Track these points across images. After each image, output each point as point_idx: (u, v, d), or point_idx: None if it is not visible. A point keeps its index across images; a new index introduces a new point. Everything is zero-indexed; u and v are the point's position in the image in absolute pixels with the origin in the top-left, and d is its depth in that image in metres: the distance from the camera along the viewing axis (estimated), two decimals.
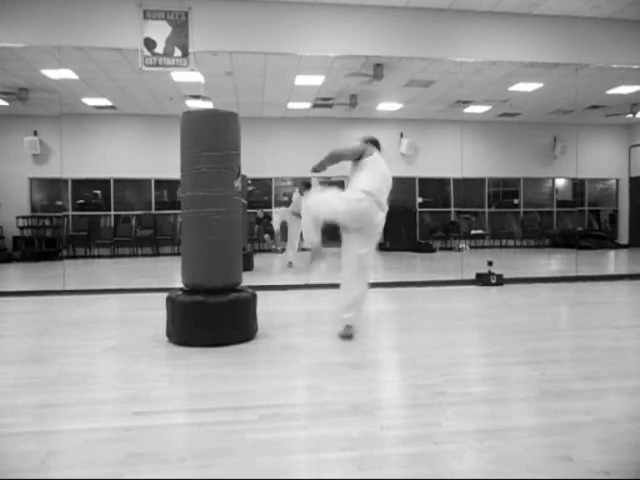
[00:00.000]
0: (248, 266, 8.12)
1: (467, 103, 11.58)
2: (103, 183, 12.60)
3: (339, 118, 12.62)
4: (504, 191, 14.34)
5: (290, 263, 8.81)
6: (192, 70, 6.95)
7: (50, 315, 5.11)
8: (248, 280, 4.87)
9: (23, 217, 11.53)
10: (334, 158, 3.80)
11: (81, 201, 12.57)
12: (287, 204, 9.41)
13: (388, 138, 13.19)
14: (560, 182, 14.48)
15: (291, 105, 11.64)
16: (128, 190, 12.90)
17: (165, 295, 3.90)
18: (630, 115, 11.98)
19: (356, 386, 2.77)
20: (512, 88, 10.19)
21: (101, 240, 12.23)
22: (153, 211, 12.74)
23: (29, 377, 2.97)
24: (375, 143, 3.96)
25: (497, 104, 11.68)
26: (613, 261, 10.72)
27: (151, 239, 12.43)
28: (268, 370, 3.11)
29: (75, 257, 11.88)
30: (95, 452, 2.00)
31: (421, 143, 13.29)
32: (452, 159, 10.94)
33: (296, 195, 8.96)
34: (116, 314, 5.30)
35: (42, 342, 3.87)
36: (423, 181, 13.71)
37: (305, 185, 8.94)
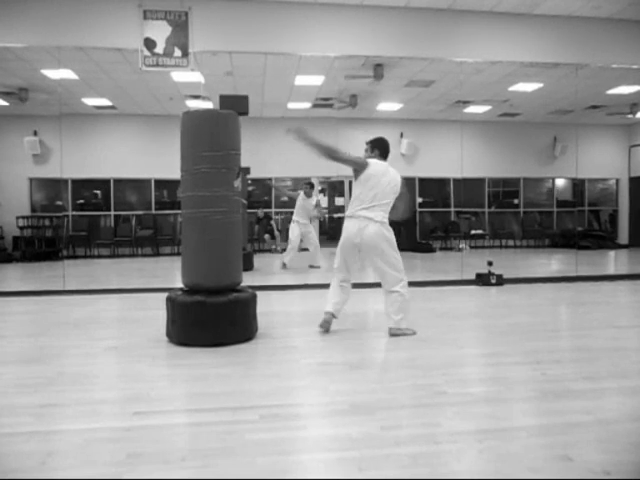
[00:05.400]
0: (248, 266, 8.11)
1: (467, 103, 11.58)
2: (103, 183, 12.60)
3: (339, 118, 12.59)
4: (504, 191, 14.33)
5: (284, 264, 8.74)
6: (192, 70, 6.95)
7: (50, 315, 5.11)
8: (248, 280, 4.87)
9: (23, 217, 11.52)
10: (329, 153, 3.80)
11: (81, 201, 12.56)
12: (287, 205, 9.34)
13: (388, 138, 13.15)
14: (560, 182, 14.48)
15: (291, 105, 11.63)
16: (128, 190, 12.89)
17: (165, 295, 3.90)
18: (630, 115, 11.98)
19: (356, 386, 2.77)
20: (512, 88, 10.19)
21: (101, 240, 12.22)
22: (153, 211, 12.74)
23: (29, 377, 2.97)
24: (380, 146, 4.06)
25: (497, 104, 11.68)
26: (613, 261, 10.72)
27: (151, 239, 12.43)
28: (268, 370, 3.11)
29: (75, 257, 11.87)
30: (95, 452, 2.00)
31: (421, 143, 13.29)
32: (452, 159, 10.94)
33: (300, 198, 8.84)
34: (116, 314, 5.30)
35: (42, 342, 3.87)
36: (423, 181, 13.71)
37: (309, 185, 8.90)
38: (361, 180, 3.88)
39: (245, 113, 5.15)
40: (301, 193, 8.88)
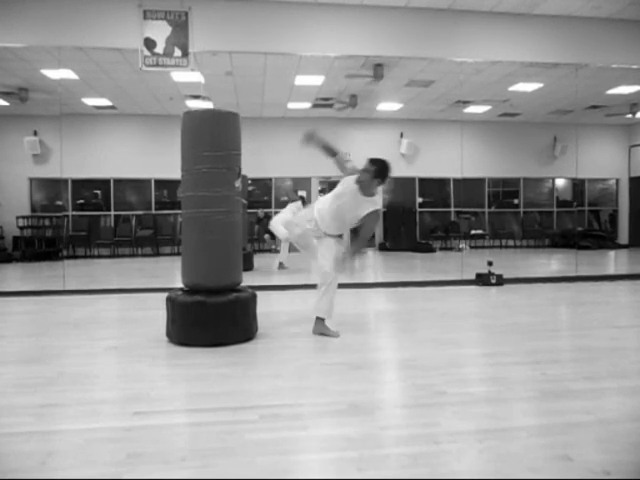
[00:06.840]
0: (248, 266, 8.11)
1: (467, 103, 11.58)
2: (103, 183, 12.60)
3: (339, 118, 12.61)
4: (504, 191, 14.34)
5: (281, 264, 8.79)
6: (192, 70, 6.95)
7: (50, 315, 5.11)
8: (248, 280, 4.87)
9: (23, 217, 11.53)
10: (330, 152, 4.02)
11: (81, 201, 12.57)
12: (287, 205, 9.29)
13: (388, 138, 13.21)
14: (560, 182, 14.48)
15: (291, 105, 11.63)
16: (128, 190, 12.90)
17: (165, 295, 3.90)
18: (630, 115, 11.98)
19: (356, 386, 2.77)
20: (512, 88, 10.19)
21: (101, 240, 12.23)
22: (153, 211, 12.74)
23: (29, 377, 2.97)
24: (383, 175, 3.91)
25: (497, 104, 11.68)
26: (613, 261, 10.72)
27: (151, 239, 12.43)
28: (268, 370, 3.11)
29: (75, 257, 11.87)
30: (95, 452, 2.00)
31: (421, 143, 13.29)
32: (452, 159, 10.95)
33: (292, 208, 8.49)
34: (116, 314, 5.30)
35: (42, 342, 3.87)
36: (423, 181, 13.71)
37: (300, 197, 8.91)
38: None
39: None
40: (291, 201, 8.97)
